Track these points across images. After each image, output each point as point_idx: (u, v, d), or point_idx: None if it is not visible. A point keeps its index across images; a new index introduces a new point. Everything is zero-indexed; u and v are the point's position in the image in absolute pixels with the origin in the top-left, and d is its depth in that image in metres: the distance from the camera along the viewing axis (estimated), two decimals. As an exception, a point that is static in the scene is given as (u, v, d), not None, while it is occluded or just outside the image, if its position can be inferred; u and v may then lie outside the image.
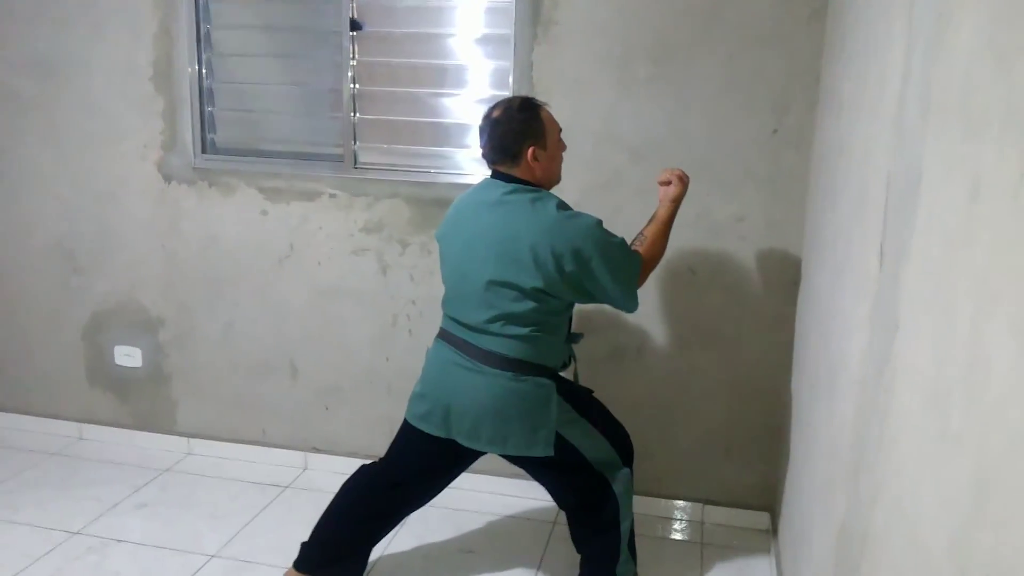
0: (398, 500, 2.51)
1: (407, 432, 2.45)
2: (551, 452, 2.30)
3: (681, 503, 3.13)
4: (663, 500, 3.12)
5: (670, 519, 3.12)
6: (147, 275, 3.43)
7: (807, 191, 2.79)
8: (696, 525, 3.10)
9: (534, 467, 2.47)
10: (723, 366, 2.99)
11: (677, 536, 3.06)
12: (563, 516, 2.72)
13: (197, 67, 3.23)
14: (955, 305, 0.95)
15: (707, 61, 2.80)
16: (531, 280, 2.19)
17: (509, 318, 2.24)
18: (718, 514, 3.09)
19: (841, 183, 1.99)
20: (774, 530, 2.92)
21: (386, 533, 2.59)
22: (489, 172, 2.37)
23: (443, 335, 2.39)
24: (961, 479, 0.87)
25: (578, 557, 2.59)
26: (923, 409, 1.04)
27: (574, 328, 2.52)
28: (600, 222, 2.28)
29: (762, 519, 3.05)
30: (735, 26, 2.76)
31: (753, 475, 3.05)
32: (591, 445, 2.40)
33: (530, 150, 2.27)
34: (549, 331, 2.30)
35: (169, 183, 3.33)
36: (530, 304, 2.22)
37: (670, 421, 3.07)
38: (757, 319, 2.94)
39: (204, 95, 3.28)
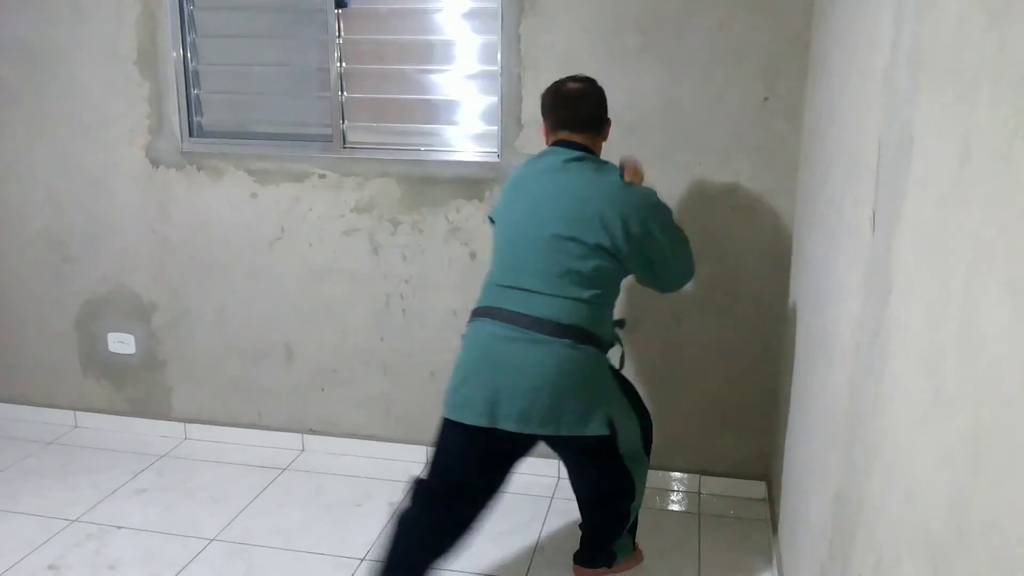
0: (456, 510, 2.26)
1: (446, 431, 2.25)
2: (606, 430, 2.20)
3: (678, 475, 3.14)
4: (660, 472, 3.12)
5: (667, 491, 3.14)
6: (138, 261, 3.41)
7: (799, 159, 2.77)
8: (693, 496, 3.11)
9: (573, 452, 2.39)
10: (717, 336, 3.00)
11: (675, 507, 3.07)
12: (560, 491, 2.73)
13: (182, 50, 3.20)
14: (948, 267, 0.94)
15: (696, 30, 2.78)
16: (596, 236, 2.16)
17: (571, 276, 2.16)
18: (715, 484, 3.11)
19: (832, 150, 1.98)
20: (771, 499, 2.94)
21: (451, 551, 2.28)
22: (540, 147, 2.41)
23: (487, 312, 2.23)
24: (956, 440, 0.87)
25: (576, 532, 2.60)
26: (917, 372, 1.04)
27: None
28: (656, 193, 2.34)
29: (759, 488, 3.07)
30: (723, -5, 2.73)
31: (749, 445, 3.06)
32: (629, 432, 2.32)
33: (608, 121, 2.39)
34: (605, 301, 2.24)
35: (157, 168, 3.30)
36: (592, 263, 2.17)
37: (666, 393, 3.07)
38: (750, 288, 2.93)
39: (190, 78, 3.24)
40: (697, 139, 2.85)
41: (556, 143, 2.33)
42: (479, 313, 2.27)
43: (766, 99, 2.78)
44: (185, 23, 3.18)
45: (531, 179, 2.31)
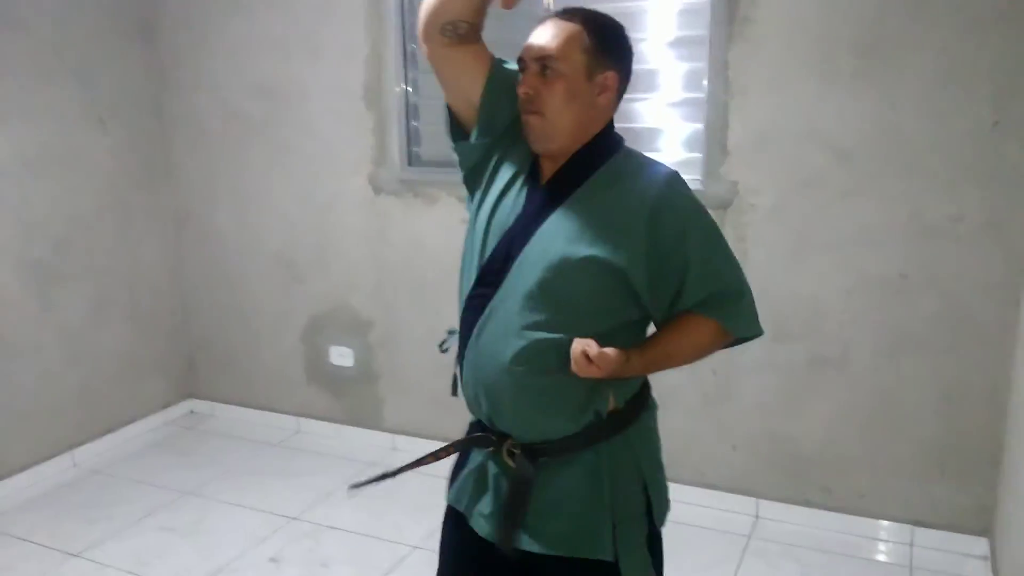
0: None
1: None
2: None
3: (887, 523, 2.94)
4: (867, 519, 2.95)
5: (875, 539, 2.94)
6: (358, 280, 3.68)
7: (1035, 188, 2.55)
8: (904, 547, 2.90)
9: None
10: (937, 377, 2.79)
11: (882, 558, 2.88)
12: (759, 529, 2.63)
13: (404, 85, 3.43)
14: None
15: (917, 52, 2.63)
16: None
17: None
18: (929, 537, 2.88)
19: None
20: (993, 558, 2.68)
21: None
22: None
23: None
24: None
25: None
26: None
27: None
28: None
29: (979, 545, 2.81)
30: (947, 15, 2.57)
31: (969, 496, 2.81)
32: None
33: None
34: None
35: (378, 194, 3.55)
36: None
37: (876, 435, 2.90)
38: (975, 327, 2.72)
39: (410, 111, 3.47)
40: (918, 166, 2.69)
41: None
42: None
43: (996, 123, 2.58)
44: (408, 60, 3.42)
45: None
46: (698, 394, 3.12)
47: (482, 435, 1.68)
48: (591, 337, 1.45)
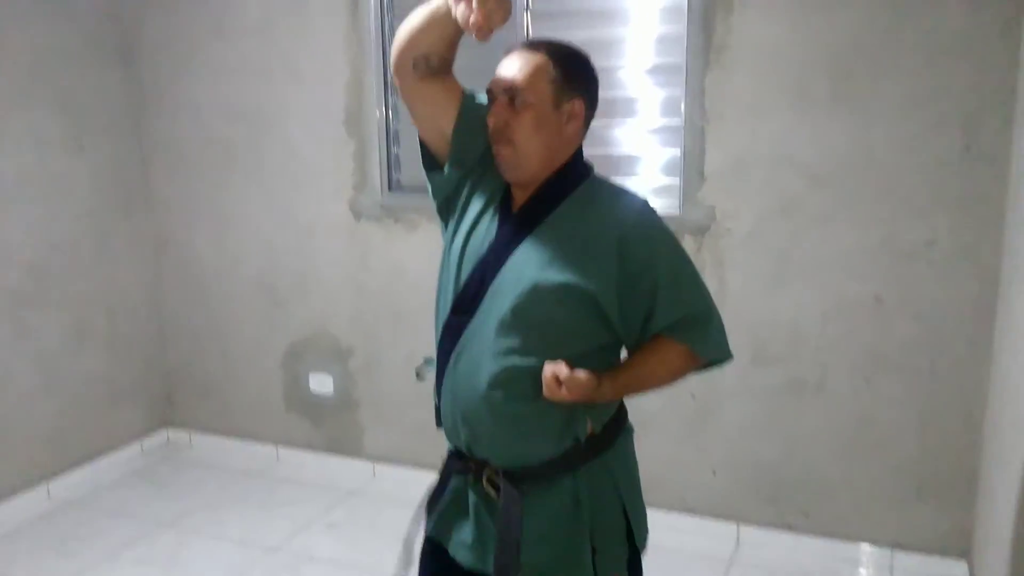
0: None
1: None
2: None
3: (867, 547, 2.94)
4: (847, 543, 2.95)
5: (855, 562, 2.95)
6: (338, 307, 3.67)
7: (1005, 212, 2.59)
8: (884, 571, 2.91)
9: None
10: (913, 399, 2.82)
11: (865, 581, 2.89)
12: (741, 553, 2.63)
13: (385, 111, 3.45)
14: None
15: (891, 78, 2.68)
16: None
17: None
18: (909, 560, 2.89)
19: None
20: (976, 579, 2.70)
21: None
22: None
23: None
24: None
25: None
26: None
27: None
28: None
29: (959, 568, 2.82)
30: (920, 42, 2.63)
31: (948, 518, 2.83)
32: None
33: None
34: None
35: (359, 220, 3.55)
36: None
37: (854, 458, 2.91)
38: (950, 350, 2.75)
39: (391, 137, 3.49)
40: (891, 190, 2.73)
41: None
42: None
43: (967, 148, 2.62)
44: (388, 86, 3.43)
45: None
46: (677, 419, 3.12)
47: (461, 463, 1.69)
48: (564, 361, 1.49)
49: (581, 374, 1.48)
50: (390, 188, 3.51)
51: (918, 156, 2.68)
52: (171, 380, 4.10)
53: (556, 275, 1.53)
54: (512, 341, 1.55)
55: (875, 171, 2.74)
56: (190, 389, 4.07)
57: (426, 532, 1.79)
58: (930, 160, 2.67)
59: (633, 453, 1.75)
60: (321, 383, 3.76)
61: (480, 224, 1.64)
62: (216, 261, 3.88)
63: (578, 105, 1.59)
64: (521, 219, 1.60)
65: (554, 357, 1.51)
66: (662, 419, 3.13)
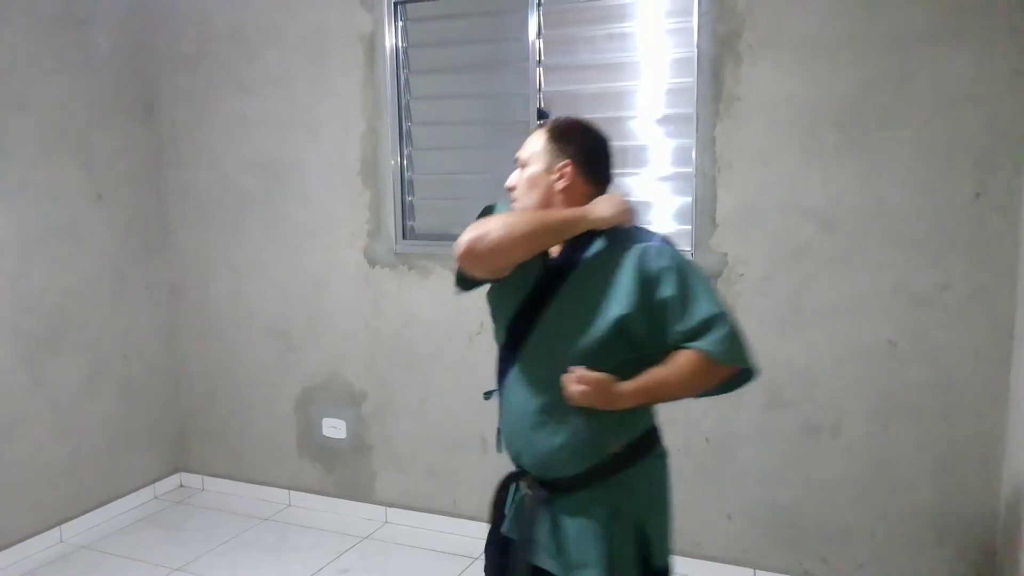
0: None
1: None
2: None
3: (888, 594, 2.91)
4: (868, 589, 2.92)
5: (876, 611, 2.91)
6: (352, 352, 3.69)
7: (1019, 255, 2.61)
8: (906, 619, 2.87)
9: None
10: (930, 446, 2.80)
11: (885, 630, 2.84)
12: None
13: (400, 160, 3.51)
14: None
15: (900, 126, 2.72)
16: None
17: None
18: (931, 608, 2.85)
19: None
20: (998, 628, 2.66)
21: None
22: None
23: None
24: None
25: None
26: None
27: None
28: None
29: (983, 616, 2.79)
30: (929, 89, 2.67)
31: (968, 565, 2.80)
32: None
33: None
34: None
35: (373, 267, 3.59)
36: None
37: (872, 503, 2.89)
38: (966, 394, 2.74)
39: (405, 186, 3.54)
40: (903, 236, 2.75)
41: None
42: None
43: (978, 195, 2.65)
44: (403, 137, 3.50)
45: None
46: (692, 463, 3.11)
47: (513, 473, 1.96)
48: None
49: (597, 373, 1.69)
50: (404, 236, 3.55)
51: (929, 202, 2.72)
52: (185, 424, 4.12)
53: (586, 327, 1.75)
54: (547, 380, 1.78)
55: (886, 217, 2.77)
56: (204, 433, 4.08)
57: (503, 531, 1.96)
58: (942, 205, 2.70)
59: (664, 477, 1.91)
60: (334, 428, 3.77)
61: (526, 267, 1.81)
62: (231, 308, 3.92)
63: (567, 165, 1.82)
64: (559, 263, 1.82)
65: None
66: (676, 463, 3.08)
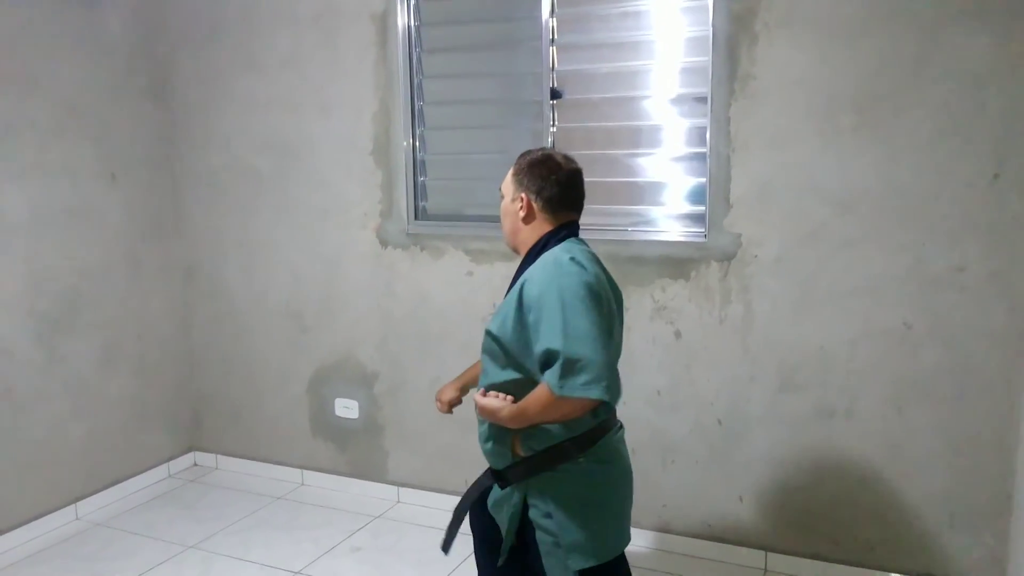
0: None
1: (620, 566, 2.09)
2: None
3: (899, 576, 2.91)
4: (878, 572, 2.91)
5: (888, 593, 2.91)
6: (364, 333, 3.70)
7: (1035, 239, 2.59)
8: (918, 601, 2.87)
9: None
10: (944, 427, 2.79)
11: (896, 612, 2.84)
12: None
13: (412, 141, 3.50)
14: None
15: (918, 107, 2.69)
16: None
17: None
18: (943, 591, 2.85)
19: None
20: (1010, 612, 2.65)
21: None
22: (558, 223, 2.09)
23: (614, 415, 2.10)
24: None
25: None
26: None
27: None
28: None
29: (995, 599, 2.78)
30: (946, 70, 2.64)
31: (981, 547, 2.79)
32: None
33: None
34: None
35: (385, 248, 3.59)
36: None
37: (884, 485, 2.88)
38: (981, 376, 2.72)
39: (417, 166, 3.53)
40: (920, 218, 2.73)
41: (566, 225, 2.08)
42: (613, 415, 2.09)
43: (996, 176, 2.62)
44: (415, 117, 3.49)
45: (605, 273, 2.08)
46: (704, 445, 3.11)
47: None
48: (496, 391, 1.98)
49: (487, 399, 1.97)
50: (416, 217, 3.55)
51: (946, 183, 2.68)
52: (199, 404, 4.15)
53: (490, 326, 2.01)
54: (482, 378, 2.09)
55: (902, 198, 2.74)
56: (217, 413, 4.11)
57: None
58: (959, 187, 2.67)
59: (591, 483, 1.99)
60: (346, 408, 3.78)
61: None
62: (244, 288, 3.93)
63: (523, 198, 2.05)
64: (512, 283, 2.07)
65: (489, 387, 2.02)
66: (688, 445, 3.12)
